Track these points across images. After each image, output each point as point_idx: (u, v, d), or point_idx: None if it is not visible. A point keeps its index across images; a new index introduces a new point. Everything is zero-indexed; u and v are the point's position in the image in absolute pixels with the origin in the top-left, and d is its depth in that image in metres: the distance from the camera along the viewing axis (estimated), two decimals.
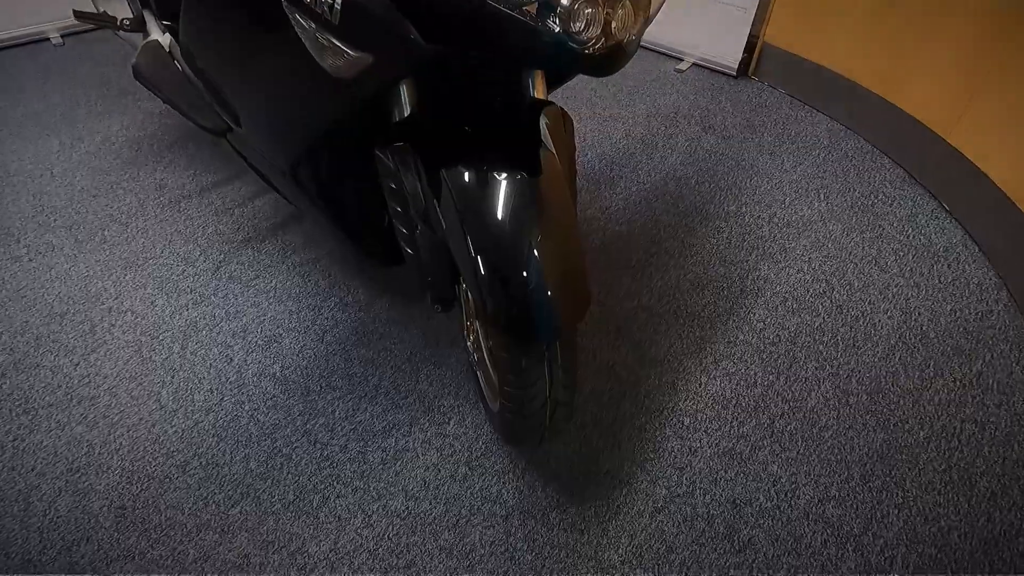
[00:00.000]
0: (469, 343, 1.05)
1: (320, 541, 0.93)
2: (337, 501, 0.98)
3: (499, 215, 0.72)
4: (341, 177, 0.96)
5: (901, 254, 1.46)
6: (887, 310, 1.33)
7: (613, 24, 0.67)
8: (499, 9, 0.61)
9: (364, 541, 0.93)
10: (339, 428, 1.08)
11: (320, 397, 1.13)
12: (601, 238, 1.49)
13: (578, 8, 0.63)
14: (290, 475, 1.01)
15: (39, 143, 1.75)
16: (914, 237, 1.51)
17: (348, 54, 0.67)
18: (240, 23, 0.83)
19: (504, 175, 0.75)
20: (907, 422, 1.11)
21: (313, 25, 0.68)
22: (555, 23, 0.64)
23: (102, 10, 1.41)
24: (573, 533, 0.95)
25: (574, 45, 0.65)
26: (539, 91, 0.89)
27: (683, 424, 1.10)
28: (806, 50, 2.00)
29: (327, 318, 1.28)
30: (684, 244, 1.48)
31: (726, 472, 1.03)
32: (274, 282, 1.36)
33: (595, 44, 0.66)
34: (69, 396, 1.13)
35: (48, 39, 2.23)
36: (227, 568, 0.89)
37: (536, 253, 0.71)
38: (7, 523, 0.94)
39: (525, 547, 0.93)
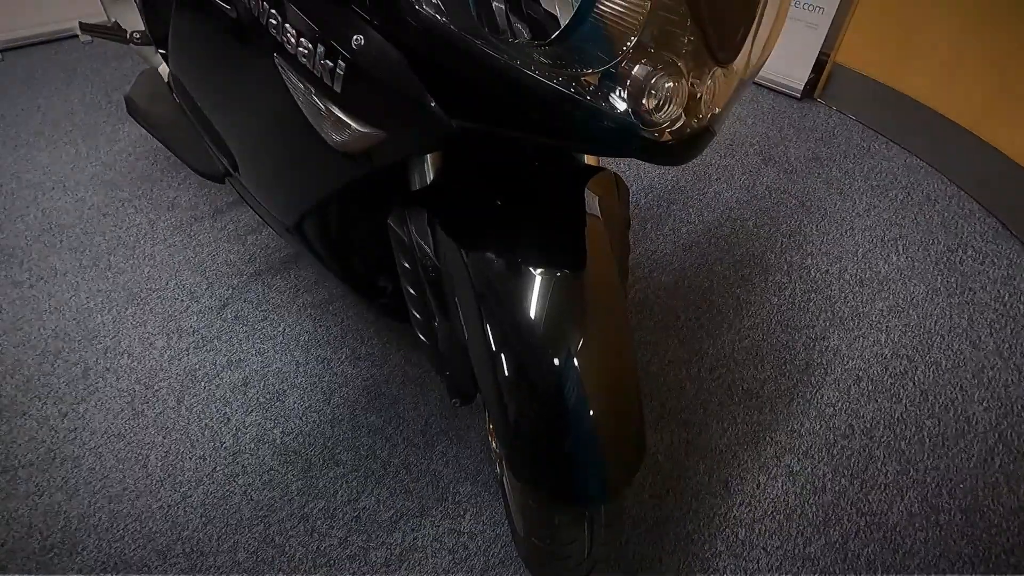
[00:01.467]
0: (493, 446, 0.90)
1: None
2: None
3: (531, 311, 0.57)
4: (349, 243, 0.83)
5: (997, 327, 1.26)
6: (982, 399, 1.13)
7: (702, 99, 0.50)
8: (543, 83, 0.46)
9: None
10: (340, 514, 0.95)
11: (322, 474, 1.00)
12: (645, 290, 1.32)
13: (656, 81, 0.47)
14: (281, 572, 0.89)
15: (54, 151, 1.67)
16: (1012, 306, 1.30)
17: (353, 128, 0.53)
18: (230, 60, 0.69)
19: (540, 260, 0.60)
20: (1012, 554, 0.93)
21: (313, 91, 0.53)
22: (620, 100, 0.48)
23: (113, 20, 1.29)
24: None
25: (644, 130, 0.49)
26: (588, 155, 0.74)
27: (738, 538, 0.93)
28: (884, 74, 1.78)
29: (336, 373, 1.15)
30: (740, 302, 1.30)
31: None
32: (282, 326, 1.24)
33: (673, 127, 0.50)
34: (52, 454, 1.03)
35: (77, 35, 2.15)
36: None
37: (578, 370, 0.55)
38: None
39: None
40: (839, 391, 1.14)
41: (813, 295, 1.32)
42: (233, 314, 1.27)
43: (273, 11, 0.53)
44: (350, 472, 1.01)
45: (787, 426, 1.08)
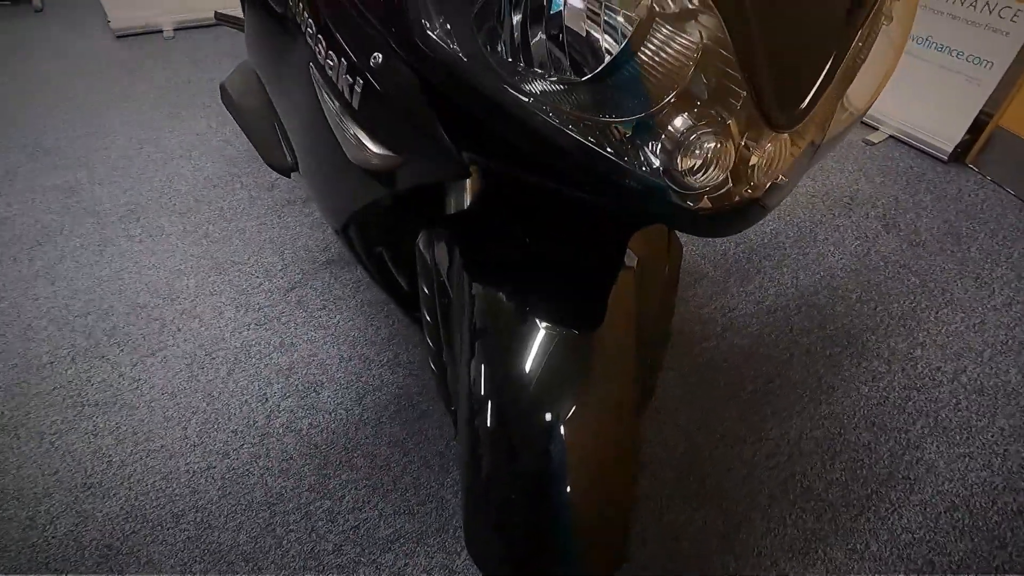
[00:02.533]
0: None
1: None
2: None
3: (527, 363, 0.52)
4: (387, 254, 0.81)
5: None
6: None
7: (755, 166, 0.42)
8: (561, 129, 0.40)
9: None
10: (341, 520, 0.95)
11: (334, 475, 1.00)
12: (711, 349, 1.20)
13: (697, 138, 0.40)
14: (273, 564, 0.90)
15: (192, 123, 1.85)
16: None
17: (368, 149, 0.51)
18: (283, 59, 0.70)
19: (551, 310, 0.54)
20: None
21: (337, 105, 0.52)
22: (652, 155, 0.41)
23: None
24: None
25: (676, 193, 0.42)
26: None
27: None
28: None
29: (374, 376, 1.16)
30: (821, 384, 1.14)
31: None
32: (338, 318, 1.27)
33: (717, 193, 0.43)
34: (115, 400, 1.12)
35: (160, 31, 2.36)
36: None
37: (563, 441, 0.49)
38: (12, 530, 0.94)
39: None
40: (924, 516, 0.95)
41: (915, 394, 1.13)
42: (297, 298, 1.32)
43: (309, 18, 0.52)
44: (362, 479, 1.00)
45: (847, 543, 0.92)
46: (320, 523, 0.94)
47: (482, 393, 0.52)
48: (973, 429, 1.07)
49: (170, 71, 2.12)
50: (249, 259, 1.41)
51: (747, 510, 0.96)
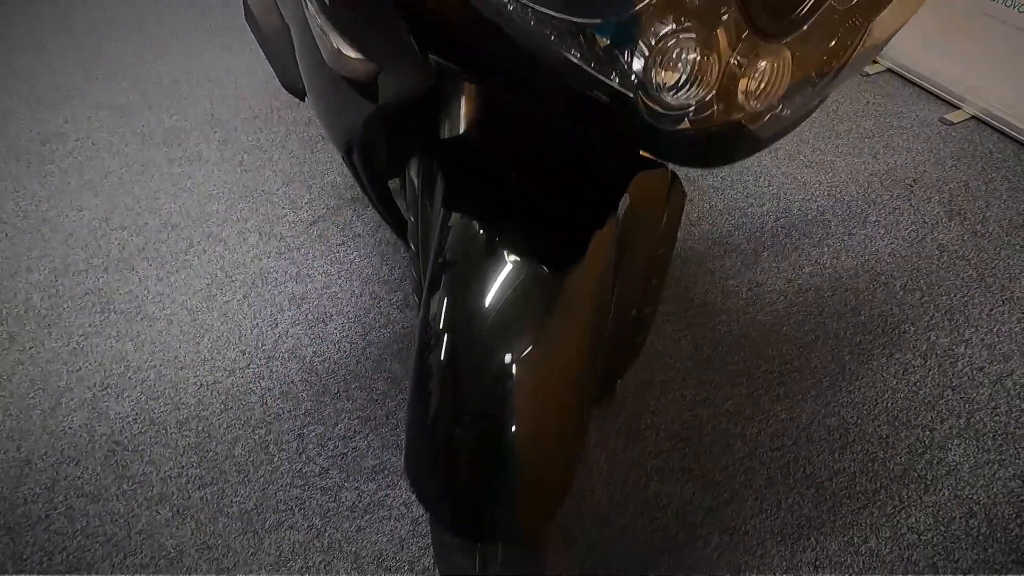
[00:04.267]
0: None
1: (251, 571, 0.83)
2: (287, 532, 0.87)
3: (487, 299, 0.49)
4: (385, 181, 0.80)
5: None
6: None
7: (744, 86, 0.38)
8: (524, 29, 0.37)
9: None
10: (331, 446, 0.97)
11: (331, 403, 1.02)
12: (730, 323, 1.14)
13: (675, 44, 0.36)
14: (262, 479, 0.93)
15: (241, 57, 1.87)
16: None
17: (343, 52, 0.48)
18: None
19: (523, 247, 0.51)
20: None
21: (316, 4, 0.49)
22: (628, 67, 0.37)
23: None
24: None
25: (653, 113, 0.38)
26: None
27: None
28: None
29: (382, 313, 1.16)
30: (844, 371, 1.07)
31: None
32: (354, 255, 1.28)
33: (699, 116, 0.38)
34: (139, 310, 1.18)
35: None
36: (159, 557, 0.84)
37: (514, 380, 0.47)
38: (35, 417, 1.01)
39: None
40: (936, 520, 0.89)
41: (948, 392, 1.04)
42: (318, 232, 1.33)
43: None
44: (356, 410, 1.01)
45: (845, 535, 0.87)
46: (311, 446, 0.97)
47: (439, 326, 0.50)
48: (1009, 436, 0.98)
49: (229, 6, 2.13)
50: (278, 190, 1.43)
51: (740, 488, 0.92)
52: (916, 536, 0.87)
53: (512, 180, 0.58)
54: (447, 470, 0.47)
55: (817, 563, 0.84)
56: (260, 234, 1.33)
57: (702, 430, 0.99)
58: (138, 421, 1.00)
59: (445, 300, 0.50)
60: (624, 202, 0.57)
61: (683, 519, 0.89)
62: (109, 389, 1.05)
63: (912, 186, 1.44)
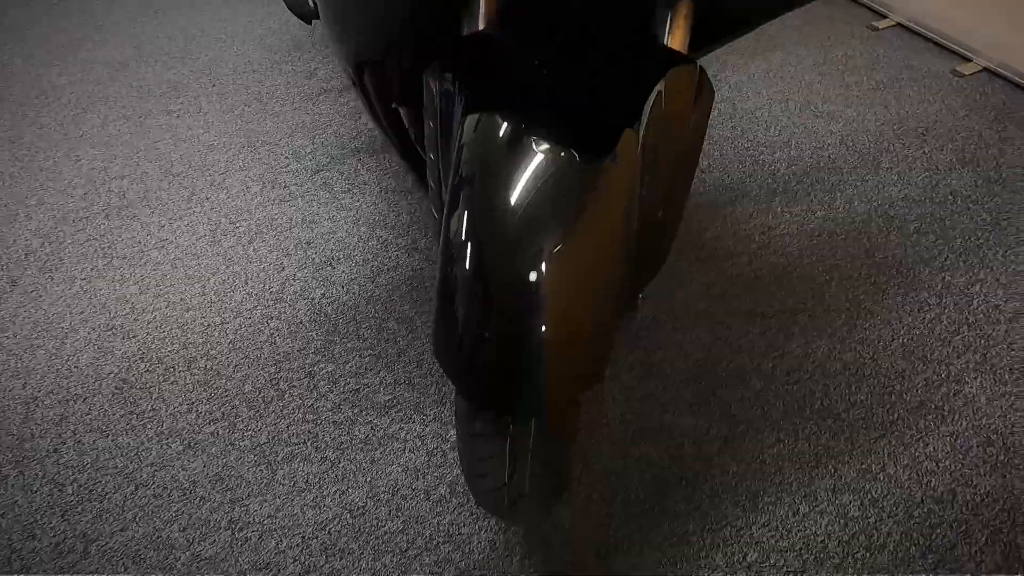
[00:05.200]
0: None
1: (265, 501, 0.83)
2: (301, 464, 0.86)
3: (514, 195, 0.48)
4: (398, 99, 0.77)
5: None
6: None
7: None
8: None
9: (304, 523, 0.81)
10: (342, 383, 0.96)
11: (341, 342, 1.01)
12: (742, 265, 1.13)
13: None
14: (274, 413, 0.92)
15: (239, 10, 1.83)
16: None
17: None
18: None
19: (550, 144, 0.50)
20: None
21: None
22: None
23: None
24: None
25: None
26: (676, 39, 0.60)
27: (745, 559, 0.78)
28: None
29: (390, 257, 1.15)
30: (859, 309, 1.06)
31: None
32: (361, 201, 1.26)
33: None
34: (142, 255, 1.15)
35: None
36: (171, 488, 0.83)
37: (543, 273, 0.46)
38: (40, 356, 0.99)
39: None
40: (953, 448, 0.88)
41: (965, 328, 1.03)
42: (323, 180, 1.31)
43: None
44: (366, 349, 1.00)
45: (862, 463, 0.87)
46: (322, 383, 0.96)
47: (468, 220, 0.49)
48: None
49: None
50: (280, 140, 1.41)
51: (756, 420, 0.91)
52: (935, 464, 0.87)
53: (538, 79, 0.56)
54: (478, 354, 0.46)
55: (835, 488, 0.84)
56: (263, 183, 1.30)
57: (717, 366, 0.98)
58: (145, 360, 0.99)
59: (473, 198, 0.49)
60: (653, 99, 0.55)
61: (700, 449, 0.88)
62: (115, 330, 1.03)
63: (924, 135, 1.42)
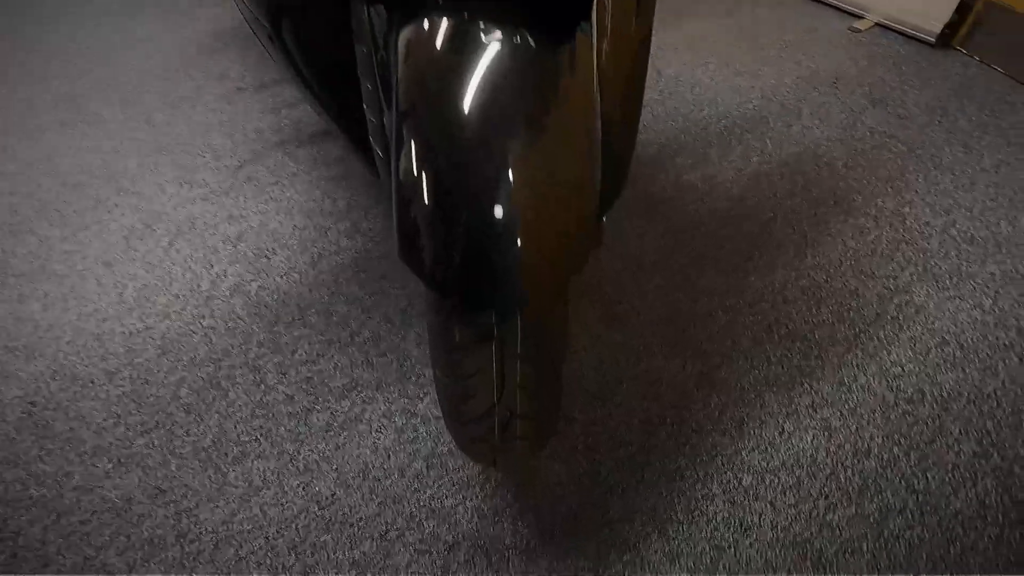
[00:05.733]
0: None
1: (216, 507, 0.73)
2: (255, 462, 0.77)
3: (469, 88, 0.44)
4: (320, 41, 0.72)
5: None
6: None
7: None
8: None
9: (266, 523, 0.71)
10: (293, 373, 0.87)
11: (287, 331, 0.92)
12: (690, 213, 1.13)
13: None
14: (217, 415, 0.82)
15: (144, 22, 1.70)
16: None
17: None
18: None
19: (501, 36, 0.46)
20: None
21: None
22: None
23: None
24: None
25: None
26: None
27: (740, 484, 0.75)
28: None
29: (330, 242, 1.07)
30: (806, 240, 1.08)
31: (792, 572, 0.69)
32: (291, 192, 1.17)
33: None
34: (42, 269, 1.02)
35: None
36: (102, 511, 0.72)
37: (511, 154, 0.41)
38: None
39: None
40: (914, 352, 0.90)
41: (903, 245, 1.07)
42: (247, 175, 1.22)
43: None
44: (316, 335, 0.92)
45: (835, 377, 0.87)
46: (270, 375, 0.87)
47: (425, 124, 0.44)
48: (964, 275, 1.02)
49: None
50: (195, 141, 1.30)
51: (728, 351, 0.90)
52: (900, 368, 0.88)
53: None
54: (450, 241, 0.41)
55: (814, 405, 0.84)
56: (180, 183, 1.20)
57: (681, 308, 0.97)
58: (57, 378, 0.86)
59: (428, 98, 0.44)
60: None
61: (678, 387, 0.85)
62: (16, 352, 0.90)
63: (836, 83, 1.50)
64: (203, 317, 0.94)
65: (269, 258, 1.04)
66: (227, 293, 0.98)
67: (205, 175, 1.22)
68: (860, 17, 1.76)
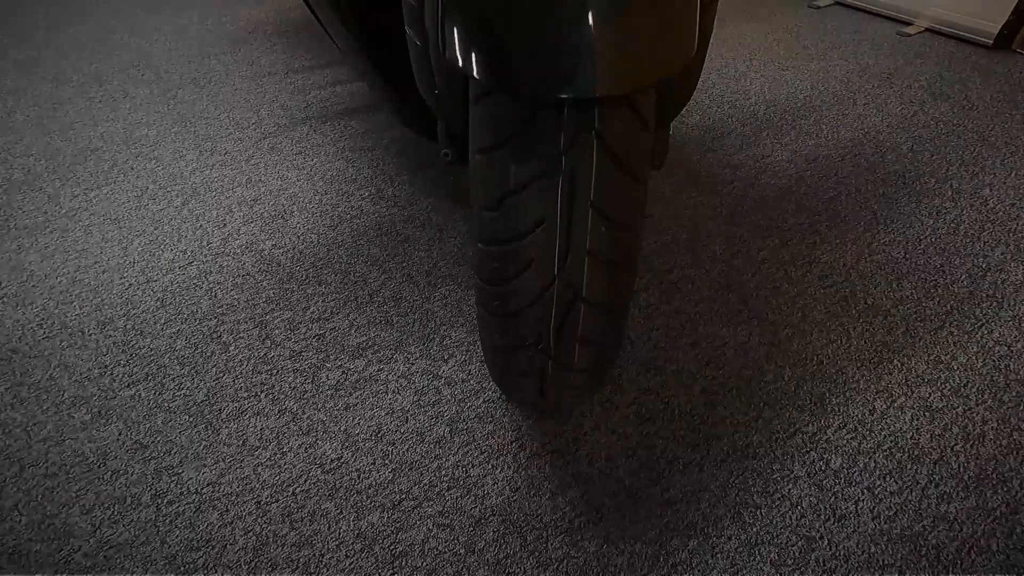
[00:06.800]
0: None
1: (204, 466, 0.62)
2: (252, 419, 0.66)
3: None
4: (379, 15, 0.65)
5: None
6: None
7: None
8: None
9: (259, 486, 0.60)
10: (303, 330, 0.77)
11: (299, 289, 0.83)
12: (743, 189, 1.04)
13: None
14: (215, 368, 0.72)
15: (172, 16, 1.72)
16: None
17: None
18: None
19: None
20: None
21: None
22: None
23: None
24: None
25: None
26: None
27: (829, 466, 0.62)
28: None
29: (352, 206, 0.99)
30: (875, 217, 0.97)
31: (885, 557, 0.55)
32: (315, 160, 1.11)
33: None
34: (46, 223, 0.96)
35: None
36: (71, 464, 0.61)
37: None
38: None
39: None
40: (1020, 332, 0.77)
41: (989, 225, 0.96)
42: (270, 145, 1.16)
43: None
44: (331, 293, 0.83)
45: (929, 354, 0.74)
46: (277, 331, 0.77)
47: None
48: None
49: None
50: (220, 115, 1.26)
51: (799, 324, 0.78)
52: (1007, 349, 0.75)
53: None
54: (511, 26, 0.31)
55: (908, 382, 0.71)
56: (200, 151, 1.14)
57: (741, 278, 0.86)
58: (43, 327, 0.78)
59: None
60: None
61: (745, 356, 0.74)
62: (7, 300, 0.82)
63: (890, 78, 1.42)
64: (210, 273, 0.86)
65: (286, 219, 0.96)
66: (238, 251, 0.90)
67: (227, 145, 1.16)
68: (908, 24, 1.70)
